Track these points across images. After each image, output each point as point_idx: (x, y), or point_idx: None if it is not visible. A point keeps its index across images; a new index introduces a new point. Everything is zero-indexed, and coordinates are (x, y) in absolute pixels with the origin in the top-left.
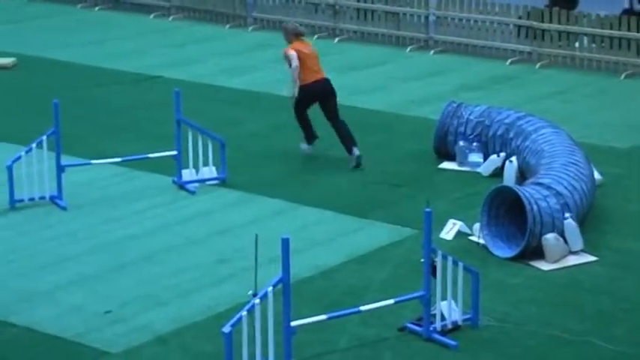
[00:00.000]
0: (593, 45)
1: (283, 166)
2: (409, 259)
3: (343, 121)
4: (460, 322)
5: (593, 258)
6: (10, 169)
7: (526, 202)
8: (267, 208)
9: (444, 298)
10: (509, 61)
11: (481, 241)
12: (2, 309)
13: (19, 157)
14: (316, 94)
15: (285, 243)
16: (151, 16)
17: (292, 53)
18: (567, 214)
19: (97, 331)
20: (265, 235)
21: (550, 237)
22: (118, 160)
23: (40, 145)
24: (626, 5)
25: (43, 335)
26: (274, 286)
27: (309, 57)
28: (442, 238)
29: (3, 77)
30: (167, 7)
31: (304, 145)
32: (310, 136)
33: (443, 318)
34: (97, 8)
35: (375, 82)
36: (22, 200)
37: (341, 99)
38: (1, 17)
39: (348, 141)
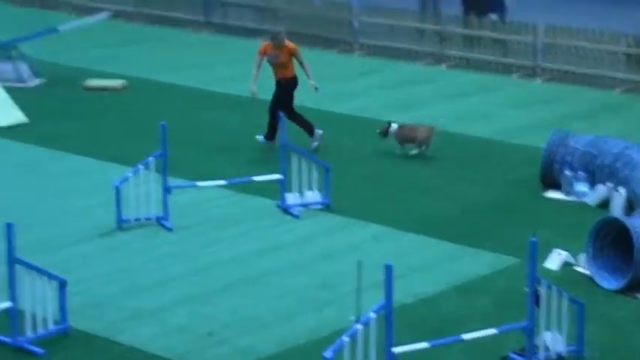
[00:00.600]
0: None
1: (386, 191)
2: (512, 288)
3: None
4: (564, 354)
5: None
6: (117, 189)
7: (633, 234)
8: (369, 232)
9: (547, 329)
10: (618, 90)
11: (586, 271)
12: (109, 327)
13: (127, 178)
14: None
15: (389, 270)
16: (259, 40)
17: None
18: None
19: (199, 352)
20: (367, 260)
21: None
22: (224, 182)
23: (147, 166)
24: None
25: (147, 355)
26: (376, 312)
27: None
28: (546, 268)
29: (113, 99)
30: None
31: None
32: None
33: (547, 349)
34: (206, 32)
35: (481, 109)
36: (128, 220)
37: (447, 125)
38: (112, 40)
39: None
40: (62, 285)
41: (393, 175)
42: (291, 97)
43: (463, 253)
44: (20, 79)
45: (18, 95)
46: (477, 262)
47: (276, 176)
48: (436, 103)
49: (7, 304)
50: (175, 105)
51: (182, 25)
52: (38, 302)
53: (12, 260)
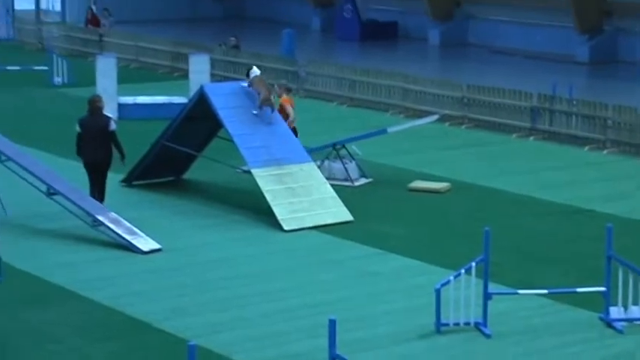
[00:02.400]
0: None
1: None
2: None
3: None
4: None
5: None
6: (438, 292)
7: None
8: None
9: None
10: None
11: None
12: None
13: (448, 281)
14: None
15: None
16: (586, 148)
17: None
18: None
19: None
20: None
21: None
22: (545, 291)
23: (469, 271)
24: None
25: None
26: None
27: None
28: None
29: (436, 201)
30: (602, 141)
31: None
32: None
33: None
34: (531, 138)
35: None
36: (447, 324)
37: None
38: (438, 143)
39: None
40: None
41: None
42: None
43: None
44: (348, 178)
45: (345, 194)
46: None
47: (600, 288)
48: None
49: None
50: (499, 210)
51: (507, 131)
52: None
53: None
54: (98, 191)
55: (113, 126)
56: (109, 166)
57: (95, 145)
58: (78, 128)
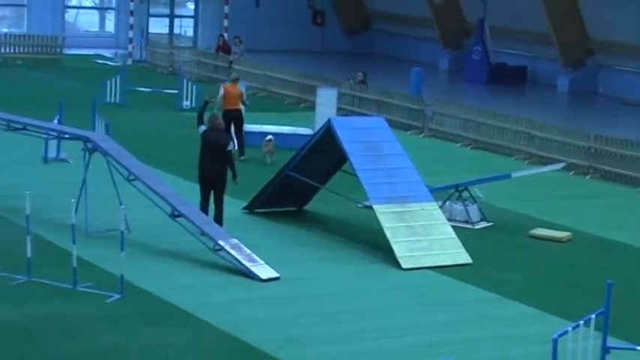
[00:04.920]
0: None
1: None
2: None
3: None
4: None
5: None
6: (555, 342)
7: None
8: None
9: None
10: None
11: None
12: None
13: (566, 332)
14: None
15: None
16: None
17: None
18: None
19: None
20: None
21: None
22: None
23: (587, 323)
24: None
25: None
26: None
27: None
28: None
29: (557, 249)
30: None
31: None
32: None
33: None
34: None
35: None
36: None
37: None
38: (562, 192)
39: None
40: None
41: None
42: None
43: None
44: (468, 221)
45: (464, 236)
46: None
47: None
48: None
49: None
50: (620, 263)
51: (633, 184)
52: None
53: None
54: (216, 211)
55: (230, 146)
56: (225, 185)
57: (211, 161)
58: (201, 142)
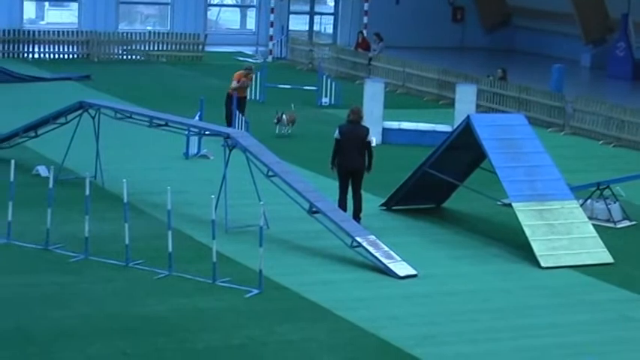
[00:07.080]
0: None
1: None
2: None
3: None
4: None
5: None
6: None
7: None
8: None
9: None
10: None
11: None
12: None
13: None
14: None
15: None
16: None
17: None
18: None
19: None
20: None
21: None
22: None
23: None
24: None
25: None
26: None
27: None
28: None
29: None
30: None
31: None
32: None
33: None
34: None
35: None
36: None
37: None
38: None
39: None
40: None
41: None
42: None
43: None
44: (610, 219)
45: (606, 235)
46: None
47: None
48: None
49: None
50: None
51: None
52: None
53: None
54: (355, 201)
55: (371, 137)
56: (363, 176)
57: (354, 154)
58: (337, 135)
